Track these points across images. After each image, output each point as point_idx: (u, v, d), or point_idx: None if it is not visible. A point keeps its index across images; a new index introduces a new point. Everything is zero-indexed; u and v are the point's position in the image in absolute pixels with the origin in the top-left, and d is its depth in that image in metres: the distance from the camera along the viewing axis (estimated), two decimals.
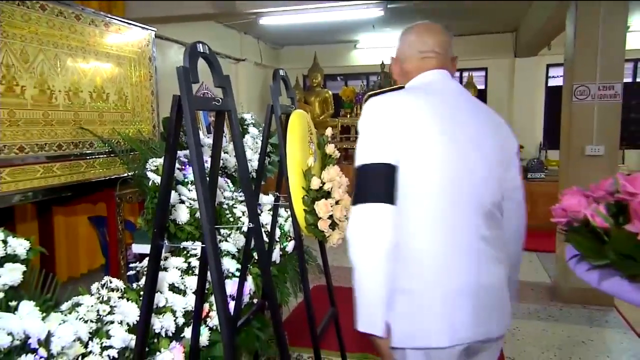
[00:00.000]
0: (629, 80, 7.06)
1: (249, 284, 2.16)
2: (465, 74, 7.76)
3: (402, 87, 1.35)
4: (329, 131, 2.26)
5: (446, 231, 1.21)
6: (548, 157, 7.16)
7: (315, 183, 1.91)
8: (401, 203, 1.18)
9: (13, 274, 1.40)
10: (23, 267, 1.45)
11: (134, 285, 1.87)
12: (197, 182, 1.29)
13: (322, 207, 1.89)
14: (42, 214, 3.06)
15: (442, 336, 1.18)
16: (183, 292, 1.92)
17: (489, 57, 7.84)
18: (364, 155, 1.20)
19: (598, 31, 3.44)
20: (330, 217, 1.92)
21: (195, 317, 1.70)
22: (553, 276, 4.24)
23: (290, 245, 2.70)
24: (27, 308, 1.27)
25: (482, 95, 7.79)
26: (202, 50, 1.43)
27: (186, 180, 2.44)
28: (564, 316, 3.55)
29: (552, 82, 7.92)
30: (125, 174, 2.76)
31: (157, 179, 2.41)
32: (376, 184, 1.16)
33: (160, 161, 2.52)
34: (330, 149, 2.20)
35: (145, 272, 2.03)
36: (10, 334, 1.16)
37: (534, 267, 4.72)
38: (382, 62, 7.32)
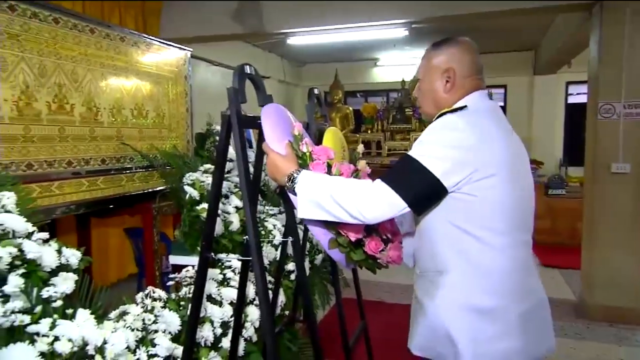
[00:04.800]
0: None
1: (281, 296, 2.18)
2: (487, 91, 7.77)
3: (465, 107, 1.24)
4: (360, 147, 2.28)
5: (519, 249, 1.22)
6: (568, 174, 7.06)
7: None
8: (481, 221, 1.18)
9: (67, 282, 1.44)
10: (75, 277, 1.49)
11: (172, 295, 1.90)
12: (244, 197, 1.32)
13: None
14: (81, 226, 3.14)
15: (519, 355, 1.18)
16: (219, 303, 1.94)
17: (508, 75, 7.83)
18: (425, 157, 1.14)
19: (623, 50, 3.42)
20: None
21: (234, 328, 1.71)
22: (577, 293, 4.15)
23: (318, 259, 2.72)
24: (84, 316, 1.31)
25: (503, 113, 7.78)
26: (249, 72, 1.47)
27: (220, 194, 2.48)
28: (591, 334, 3.46)
29: (572, 100, 7.85)
30: (162, 188, 2.82)
31: (194, 192, 2.46)
32: (414, 184, 1.14)
33: (196, 175, 2.57)
34: (362, 164, 2.22)
35: (184, 283, 2.06)
36: (70, 340, 1.20)
37: (557, 283, 4.63)
38: (403, 79, 7.36)
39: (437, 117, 1.26)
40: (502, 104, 8.01)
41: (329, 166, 1.34)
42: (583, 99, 7.14)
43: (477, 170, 1.13)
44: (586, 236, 3.78)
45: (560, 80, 7.66)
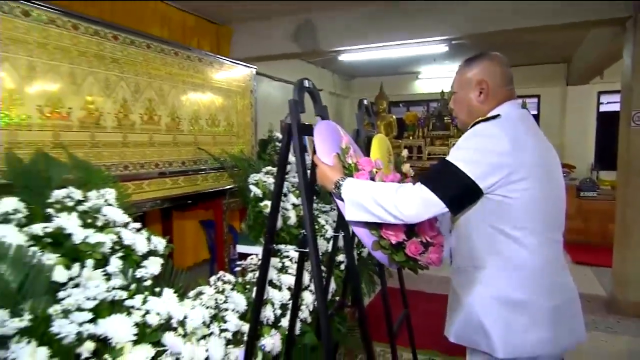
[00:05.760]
0: None
1: (332, 284, 2.18)
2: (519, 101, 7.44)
3: (499, 115, 1.21)
4: (405, 152, 2.26)
5: (550, 247, 1.19)
6: (600, 177, 6.64)
7: None
8: (514, 222, 1.14)
9: (155, 265, 1.51)
10: (161, 260, 1.56)
11: (239, 279, 1.95)
12: (303, 196, 1.33)
13: None
14: (164, 218, 3.28)
15: (548, 345, 1.15)
16: (279, 288, 1.97)
17: (542, 86, 7.45)
18: (461, 161, 1.12)
19: None
20: None
21: (292, 310, 1.73)
22: (609, 289, 3.88)
23: (365, 251, 2.70)
24: (168, 294, 1.37)
25: (535, 120, 7.43)
26: (307, 86, 1.49)
27: None
28: (622, 328, 3.23)
29: (603, 108, 7.36)
30: (230, 186, 2.91)
31: (257, 191, 2.51)
32: (451, 186, 1.11)
33: (259, 176, 2.63)
34: (406, 167, 2.18)
35: (249, 269, 2.12)
36: (158, 314, 1.26)
37: (589, 280, 4.34)
38: (442, 91, 7.19)
39: (472, 126, 1.22)
40: (535, 112, 7.61)
41: (372, 177, 1.33)
42: (614, 107, 6.66)
43: (510, 174, 1.11)
44: (618, 238, 3.53)
45: (592, 91, 7.20)
